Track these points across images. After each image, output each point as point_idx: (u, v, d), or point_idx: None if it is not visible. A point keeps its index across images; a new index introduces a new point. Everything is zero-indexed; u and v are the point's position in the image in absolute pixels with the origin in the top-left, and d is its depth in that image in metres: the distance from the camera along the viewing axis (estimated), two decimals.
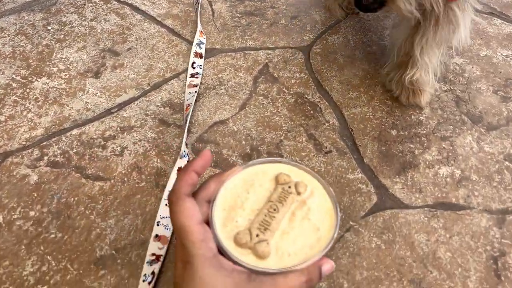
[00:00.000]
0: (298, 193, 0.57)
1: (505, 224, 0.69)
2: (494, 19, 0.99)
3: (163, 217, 0.69)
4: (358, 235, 0.68)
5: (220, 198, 0.56)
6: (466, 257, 0.65)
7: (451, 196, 0.72)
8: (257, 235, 0.52)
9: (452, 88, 0.86)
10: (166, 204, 0.70)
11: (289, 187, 0.57)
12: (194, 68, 0.88)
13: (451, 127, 0.80)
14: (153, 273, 0.63)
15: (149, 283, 0.62)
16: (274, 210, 0.55)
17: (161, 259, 0.65)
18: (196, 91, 0.83)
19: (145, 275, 0.63)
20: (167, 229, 0.68)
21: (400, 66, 0.82)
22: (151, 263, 0.64)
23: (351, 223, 0.69)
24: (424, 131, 0.80)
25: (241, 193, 0.57)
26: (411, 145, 0.78)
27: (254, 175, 0.59)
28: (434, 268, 0.64)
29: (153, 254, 0.65)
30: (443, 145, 0.78)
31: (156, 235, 0.67)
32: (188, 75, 0.87)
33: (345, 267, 0.64)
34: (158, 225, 0.68)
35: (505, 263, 0.65)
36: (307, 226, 0.55)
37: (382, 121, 0.81)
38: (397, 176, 0.74)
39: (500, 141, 0.78)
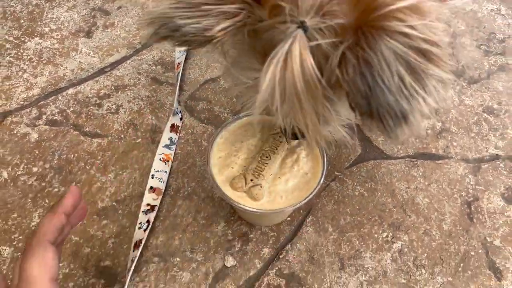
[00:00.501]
0: (288, 143, 0.61)
1: (480, 172, 0.74)
2: None
3: (157, 171, 0.73)
4: (343, 184, 0.72)
5: (216, 147, 0.60)
6: (442, 202, 0.71)
7: (431, 146, 0.76)
8: (251, 180, 0.57)
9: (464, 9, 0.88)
10: (160, 159, 0.74)
11: (279, 135, 0.62)
12: None
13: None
14: (148, 221, 0.68)
15: (145, 230, 0.67)
16: (267, 157, 0.60)
17: (156, 209, 0.69)
18: (185, 50, 0.85)
19: (140, 223, 0.68)
20: (161, 182, 0.72)
21: None
22: (146, 212, 0.69)
23: (336, 173, 0.73)
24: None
25: (234, 143, 0.62)
26: None
27: (246, 126, 0.63)
28: (413, 212, 0.70)
29: (148, 205, 0.70)
30: None
31: (151, 187, 0.71)
32: None
33: (330, 213, 0.70)
34: (152, 178, 0.72)
35: (478, 207, 0.70)
36: (296, 171, 0.59)
37: None
38: None
39: (480, 94, 0.82)
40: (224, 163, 0.60)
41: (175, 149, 0.75)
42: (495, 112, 0.80)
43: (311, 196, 0.58)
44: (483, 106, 0.80)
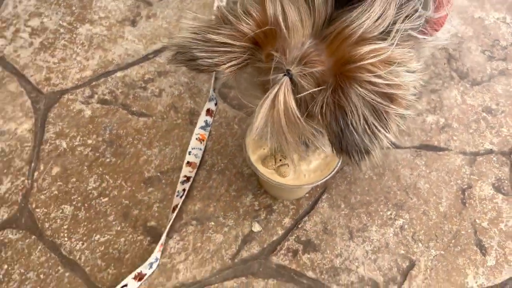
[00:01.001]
0: None
1: (475, 163, 0.85)
2: None
3: (194, 148, 0.84)
4: (355, 168, 0.84)
5: (251, 130, 0.72)
6: (440, 188, 0.82)
7: (434, 139, 0.87)
8: (280, 160, 0.69)
9: (445, 47, 0.98)
10: (196, 138, 0.85)
11: None
12: None
13: (441, 81, 0.94)
14: (184, 190, 0.79)
15: (181, 197, 0.78)
16: None
17: (191, 180, 0.81)
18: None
19: (178, 191, 0.80)
20: (197, 157, 0.83)
21: None
22: (183, 182, 0.81)
23: None
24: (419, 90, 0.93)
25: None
26: None
27: None
28: (414, 195, 0.81)
29: (185, 176, 0.81)
30: (432, 97, 0.92)
31: (188, 162, 0.83)
32: None
33: (342, 192, 0.81)
34: (189, 154, 0.84)
35: (471, 194, 0.81)
36: (317, 154, 0.71)
37: None
38: None
39: (481, 95, 0.92)
40: (257, 144, 0.72)
41: (210, 131, 0.87)
42: (493, 112, 0.90)
43: (329, 176, 0.69)
44: (482, 106, 0.91)
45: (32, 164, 0.83)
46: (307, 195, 0.81)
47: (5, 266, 0.74)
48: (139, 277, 0.72)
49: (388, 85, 0.46)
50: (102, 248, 0.76)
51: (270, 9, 0.48)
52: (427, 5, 0.54)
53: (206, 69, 0.51)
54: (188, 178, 0.81)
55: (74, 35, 0.99)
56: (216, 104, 0.90)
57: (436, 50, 0.98)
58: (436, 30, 0.71)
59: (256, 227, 0.78)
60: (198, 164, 0.83)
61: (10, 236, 0.76)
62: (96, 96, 0.90)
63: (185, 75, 0.93)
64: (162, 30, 1.00)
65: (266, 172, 0.70)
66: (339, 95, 0.46)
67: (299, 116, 0.49)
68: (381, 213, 0.79)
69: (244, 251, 0.76)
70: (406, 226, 0.78)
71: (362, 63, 0.46)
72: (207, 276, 0.74)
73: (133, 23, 1.01)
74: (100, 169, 0.83)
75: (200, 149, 0.84)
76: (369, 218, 0.79)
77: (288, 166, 0.70)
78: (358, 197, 0.81)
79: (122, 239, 0.76)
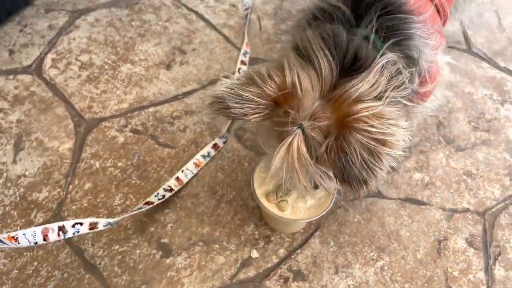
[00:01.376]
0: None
1: (452, 219, 0.96)
2: (483, 63, 1.24)
3: (187, 169, 0.97)
4: (346, 212, 0.95)
5: (259, 168, 0.85)
6: (419, 237, 0.93)
7: (418, 194, 0.99)
8: (281, 196, 0.81)
9: (436, 115, 1.12)
10: (194, 162, 0.98)
11: None
12: (239, 73, 1.15)
13: (429, 144, 1.07)
14: (163, 196, 0.91)
15: (158, 199, 0.90)
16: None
17: (173, 192, 0.93)
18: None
19: (157, 193, 0.91)
20: (186, 177, 0.96)
21: None
22: (165, 190, 0.92)
23: (342, 203, 0.97)
24: (408, 145, 1.07)
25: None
26: None
27: None
28: (395, 241, 0.92)
29: (169, 186, 0.93)
30: (420, 157, 1.05)
31: (177, 177, 0.95)
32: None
33: (333, 231, 0.93)
34: (182, 172, 0.96)
35: (446, 245, 0.92)
36: (313, 195, 0.83)
37: None
38: None
39: (463, 160, 1.05)
40: (263, 181, 0.85)
41: (223, 166, 1.00)
42: (472, 175, 1.02)
43: (321, 215, 0.81)
44: (464, 170, 1.03)
45: (68, 179, 0.96)
46: (301, 230, 0.92)
47: (35, 263, 0.86)
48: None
49: (380, 132, 0.59)
50: (120, 257, 0.87)
51: (289, 77, 0.63)
52: (413, 80, 0.68)
53: (236, 117, 0.65)
54: (171, 189, 0.93)
55: (116, 72, 1.15)
56: (225, 142, 1.03)
57: (428, 117, 1.11)
58: (422, 100, 0.85)
59: (255, 254, 0.89)
60: (184, 183, 0.95)
61: None
62: (129, 126, 1.05)
63: (208, 116, 1.08)
64: (192, 75, 1.16)
65: (268, 205, 0.82)
66: (341, 140, 0.60)
67: (309, 159, 0.62)
68: (365, 253, 0.90)
69: (242, 273, 0.87)
70: (386, 268, 0.89)
71: (358, 115, 0.60)
72: None
73: (168, 67, 1.17)
74: (126, 188, 0.96)
75: (193, 172, 0.97)
76: (354, 257, 0.90)
77: (287, 202, 0.82)
78: (346, 237, 0.92)
79: (138, 251, 0.88)
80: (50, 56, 1.17)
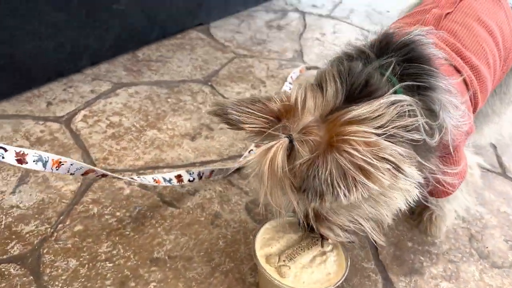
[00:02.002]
0: (322, 246, 0.76)
1: None
2: None
3: (144, 178, 0.89)
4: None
5: (264, 229, 0.76)
6: None
7: None
8: (284, 261, 0.71)
9: (468, 227, 1.02)
10: (152, 178, 0.96)
11: (317, 240, 0.76)
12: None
13: (460, 255, 0.95)
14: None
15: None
16: (302, 250, 0.74)
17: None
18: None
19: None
20: (142, 180, 0.89)
21: (423, 204, 0.99)
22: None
23: None
24: (436, 251, 0.95)
25: (279, 232, 0.77)
26: (422, 258, 0.93)
27: (292, 224, 0.79)
28: None
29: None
30: (449, 266, 0.92)
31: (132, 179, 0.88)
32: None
33: None
34: (139, 177, 0.89)
35: None
36: (322, 269, 0.73)
37: (402, 233, 0.98)
38: (403, 276, 0.88)
39: (500, 278, 0.90)
40: (266, 242, 0.75)
41: (226, 234, 0.90)
42: None
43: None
44: None
45: (61, 217, 0.90)
46: None
47: None
48: None
49: (364, 160, 0.54)
50: None
51: (295, 95, 0.62)
52: (432, 134, 0.63)
53: (234, 124, 0.62)
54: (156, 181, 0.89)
55: (141, 135, 1.16)
56: (190, 181, 0.97)
57: (459, 227, 1.01)
58: (447, 185, 0.78)
59: None
60: (135, 183, 0.95)
61: (11, 270, 0.79)
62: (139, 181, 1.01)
63: (221, 185, 1.03)
64: (214, 149, 1.14)
65: (267, 268, 0.71)
66: (318, 156, 0.55)
67: (282, 167, 0.57)
68: None
69: None
70: None
71: (346, 137, 0.55)
72: None
73: (193, 138, 1.17)
74: (117, 238, 0.87)
75: (149, 182, 0.90)
76: None
77: (289, 268, 0.71)
78: None
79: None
80: (83, 112, 1.21)
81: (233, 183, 1.04)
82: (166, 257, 0.85)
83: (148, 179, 0.89)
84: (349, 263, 0.74)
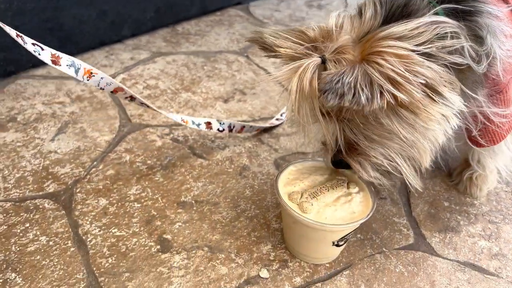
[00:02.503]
0: (348, 188, 0.73)
1: None
2: None
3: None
4: (387, 259, 0.78)
5: (289, 170, 0.75)
6: None
7: (483, 262, 0.79)
8: (306, 198, 0.69)
9: None
10: (181, 118, 0.93)
11: (343, 181, 0.74)
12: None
13: (502, 216, 0.89)
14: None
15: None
16: (326, 190, 0.72)
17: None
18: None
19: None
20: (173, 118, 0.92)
21: (464, 163, 0.94)
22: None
23: (384, 249, 0.79)
24: (475, 212, 0.89)
25: (305, 172, 0.76)
26: (459, 217, 0.88)
27: (319, 165, 0.78)
28: None
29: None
30: (489, 226, 0.86)
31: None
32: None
33: (366, 275, 0.74)
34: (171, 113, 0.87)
35: None
36: (346, 208, 0.70)
37: (439, 193, 0.93)
38: (437, 232, 0.84)
39: None
40: (290, 182, 0.74)
41: (253, 185, 0.90)
42: None
43: (355, 225, 0.67)
44: None
45: (95, 163, 0.93)
46: (327, 265, 0.75)
47: (27, 224, 0.78)
48: None
49: (394, 71, 0.52)
50: (114, 240, 0.77)
51: (335, 20, 0.61)
52: (480, 60, 0.59)
53: (269, 49, 0.61)
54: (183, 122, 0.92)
55: (176, 97, 1.18)
56: (220, 130, 0.98)
57: (502, 190, 0.95)
58: (495, 125, 0.73)
59: (264, 274, 0.73)
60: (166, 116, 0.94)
61: (46, 205, 0.82)
62: (171, 135, 1.02)
63: (251, 142, 1.02)
64: (246, 110, 1.14)
65: (290, 204, 0.70)
66: (346, 67, 0.54)
67: (312, 85, 0.55)
68: None
69: None
70: None
71: (377, 49, 0.53)
72: None
73: (226, 101, 1.18)
74: (146, 183, 0.89)
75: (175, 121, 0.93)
76: None
77: (312, 204, 0.69)
78: (382, 285, 0.73)
79: (135, 239, 0.77)
80: (122, 75, 1.25)
81: (263, 141, 1.04)
82: (193, 201, 0.85)
83: (176, 117, 0.90)
84: (375, 205, 0.71)
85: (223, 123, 0.97)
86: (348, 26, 0.59)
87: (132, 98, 0.84)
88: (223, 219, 0.82)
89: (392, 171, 0.67)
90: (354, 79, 0.52)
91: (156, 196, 0.86)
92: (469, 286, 0.74)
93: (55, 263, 0.72)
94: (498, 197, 0.94)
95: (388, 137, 0.63)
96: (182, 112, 1.11)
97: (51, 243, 0.75)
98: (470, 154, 0.89)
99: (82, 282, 0.69)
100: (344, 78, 0.52)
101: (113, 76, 1.24)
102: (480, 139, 0.77)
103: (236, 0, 1.77)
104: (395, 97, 0.53)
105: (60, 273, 0.70)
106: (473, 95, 0.63)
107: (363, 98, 0.51)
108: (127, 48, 1.40)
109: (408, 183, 0.68)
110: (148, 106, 0.86)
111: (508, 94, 0.73)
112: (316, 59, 0.56)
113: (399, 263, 0.77)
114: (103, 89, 0.79)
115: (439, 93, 0.54)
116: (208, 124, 0.95)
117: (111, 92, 0.81)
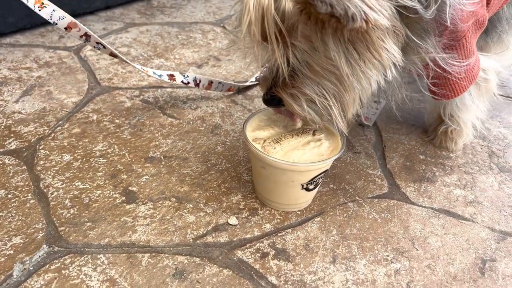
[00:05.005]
0: (313, 135, 0.71)
1: (504, 242, 0.71)
2: None
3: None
4: (360, 207, 0.76)
5: (259, 115, 0.73)
6: (455, 250, 0.69)
7: (458, 209, 0.77)
8: (269, 142, 0.67)
9: (489, 145, 0.94)
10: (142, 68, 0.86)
11: (309, 129, 0.72)
12: None
13: (477, 168, 0.87)
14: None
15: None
16: (291, 136, 0.70)
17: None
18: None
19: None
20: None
21: (438, 118, 0.92)
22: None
23: (357, 198, 0.77)
24: (451, 164, 0.88)
25: (276, 120, 0.73)
26: (434, 168, 0.86)
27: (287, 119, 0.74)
28: (421, 247, 0.69)
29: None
30: (465, 176, 0.85)
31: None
32: None
33: (338, 222, 0.72)
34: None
35: (493, 267, 0.67)
36: (315, 152, 0.68)
37: (414, 147, 0.91)
38: (412, 182, 0.82)
39: None
40: (259, 126, 0.71)
41: (225, 141, 0.87)
42: None
43: (322, 164, 0.65)
44: None
45: (60, 122, 0.89)
46: (298, 212, 0.73)
47: None
48: None
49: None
50: (77, 192, 0.73)
51: None
52: (428, 7, 0.58)
53: None
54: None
55: (148, 63, 1.14)
56: (184, 83, 0.96)
57: (478, 144, 0.94)
58: (451, 82, 0.72)
59: (233, 221, 0.70)
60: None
61: (6, 160, 0.79)
62: (141, 97, 0.99)
63: (224, 103, 1.00)
64: (220, 75, 1.12)
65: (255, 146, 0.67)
66: None
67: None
68: (376, 251, 0.68)
69: (211, 237, 0.68)
70: (402, 272, 0.65)
71: None
72: (161, 244, 0.66)
73: (199, 66, 1.15)
74: (113, 140, 0.86)
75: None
76: (360, 252, 0.67)
77: (274, 148, 0.67)
78: (354, 231, 0.71)
79: (99, 192, 0.74)
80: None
81: (237, 102, 1.01)
82: (162, 157, 0.82)
83: (138, 66, 0.89)
84: (344, 146, 0.69)
85: (187, 76, 0.95)
86: None
87: (87, 38, 0.83)
88: (193, 172, 0.80)
89: (322, 110, 0.64)
90: None
91: (123, 152, 0.83)
92: (443, 231, 0.72)
93: (13, 215, 0.68)
94: (474, 150, 0.92)
95: (327, 73, 0.60)
96: (153, 78, 1.08)
97: (9, 195, 0.72)
98: (441, 108, 0.88)
99: (40, 232, 0.66)
100: None
101: (84, 45, 1.20)
102: (437, 90, 0.76)
103: None
104: (366, 21, 0.51)
105: (18, 223, 0.67)
106: (420, 43, 0.61)
107: (349, 13, 0.49)
108: (100, 19, 1.36)
109: (335, 124, 0.65)
110: (104, 47, 0.84)
111: (467, 43, 0.71)
112: None
113: (372, 210, 0.75)
114: (56, 23, 0.76)
115: (387, 40, 0.53)
116: (171, 76, 0.93)
117: (65, 28, 0.79)
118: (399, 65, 0.61)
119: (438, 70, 0.71)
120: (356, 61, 0.58)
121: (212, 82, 0.98)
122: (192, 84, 0.95)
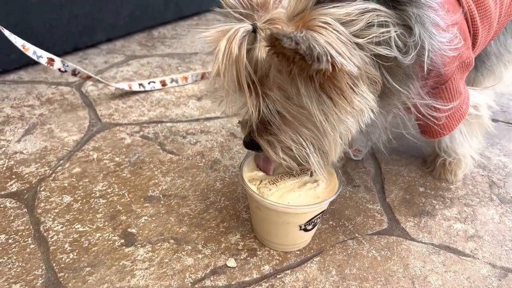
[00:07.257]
0: (310, 175, 0.71)
1: (505, 279, 0.71)
2: None
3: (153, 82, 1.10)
4: (359, 245, 0.75)
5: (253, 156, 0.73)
6: None
7: (458, 245, 0.76)
8: (265, 184, 0.67)
9: (489, 175, 0.94)
10: (159, 80, 0.86)
11: (307, 169, 0.72)
12: None
13: (478, 199, 0.87)
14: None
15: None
16: (287, 177, 0.70)
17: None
18: None
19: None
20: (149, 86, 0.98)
21: (434, 151, 0.92)
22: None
23: (357, 235, 0.77)
24: (450, 196, 0.87)
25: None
26: (434, 201, 0.86)
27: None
28: (421, 287, 0.68)
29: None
30: (465, 209, 0.84)
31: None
32: None
33: (338, 261, 0.72)
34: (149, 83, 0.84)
35: None
36: (311, 193, 0.69)
37: (414, 179, 0.91)
38: (412, 217, 0.82)
39: None
40: (256, 168, 0.72)
41: (224, 177, 0.88)
42: None
43: (317, 207, 0.65)
44: None
45: (61, 161, 0.90)
46: (297, 252, 0.73)
47: None
48: None
49: (337, 43, 0.53)
50: (77, 235, 0.74)
51: None
52: (407, 51, 0.59)
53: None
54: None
55: (148, 96, 1.16)
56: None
57: (478, 174, 0.93)
58: (438, 125, 0.72)
59: (231, 263, 0.70)
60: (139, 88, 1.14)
61: (7, 204, 0.80)
62: (141, 133, 1.01)
63: (223, 137, 1.01)
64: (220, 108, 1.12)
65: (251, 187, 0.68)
66: None
67: (240, 49, 0.54)
68: None
69: (209, 280, 0.68)
70: None
71: (316, 23, 0.53)
72: None
73: (199, 99, 1.16)
74: (113, 179, 0.86)
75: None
76: None
77: (270, 190, 0.67)
78: (354, 270, 0.70)
79: (98, 234, 0.74)
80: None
81: (236, 135, 1.02)
82: (161, 195, 0.83)
83: (124, 85, 1.03)
84: (341, 187, 0.69)
85: (67, 66, 1.05)
86: (286, 1, 0.58)
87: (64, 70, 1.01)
88: (191, 211, 0.80)
89: (299, 158, 0.64)
90: (305, 36, 0.50)
91: (123, 192, 0.83)
92: (444, 268, 0.72)
93: (13, 261, 0.69)
94: (475, 181, 0.92)
95: (303, 120, 0.61)
96: (153, 110, 1.10)
97: (10, 241, 0.72)
98: (436, 143, 0.88)
99: (40, 278, 0.67)
100: (297, 33, 0.50)
101: (83, 80, 1.22)
102: (425, 129, 0.77)
103: (216, 4, 1.77)
104: (333, 65, 0.51)
105: (18, 270, 0.68)
106: (401, 89, 0.62)
107: (314, 52, 0.49)
108: (101, 52, 1.39)
109: (314, 171, 0.66)
110: (90, 76, 1.02)
111: (453, 86, 0.72)
112: (247, 26, 0.56)
113: (372, 248, 0.75)
114: (39, 61, 0.93)
115: (357, 85, 0.54)
116: (51, 60, 1.02)
117: (46, 63, 0.96)
118: (380, 110, 0.61)
119: (418, 115, 0.72)
120: (329, 108, 0.58)
121: (90, 77, 1.11)
122: (69, 73, 1.06)
